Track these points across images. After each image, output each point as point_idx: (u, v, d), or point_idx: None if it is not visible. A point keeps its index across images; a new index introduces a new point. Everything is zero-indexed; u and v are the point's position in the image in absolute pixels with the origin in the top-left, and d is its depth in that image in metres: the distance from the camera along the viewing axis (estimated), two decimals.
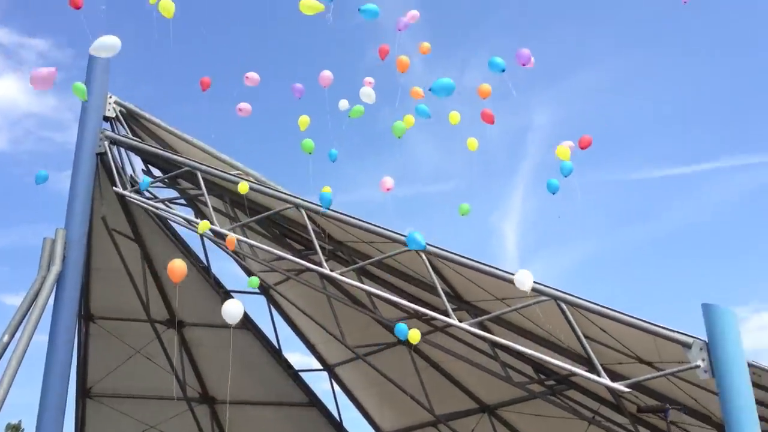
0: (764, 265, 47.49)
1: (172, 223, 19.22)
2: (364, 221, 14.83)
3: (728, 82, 46.43)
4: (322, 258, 15.11)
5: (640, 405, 15.68)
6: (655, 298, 44.25)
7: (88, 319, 20.31)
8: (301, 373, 22.46)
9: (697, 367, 11.63)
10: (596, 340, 14.06)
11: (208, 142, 18.18)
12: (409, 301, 15.60)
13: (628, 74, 45.76)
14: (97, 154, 17.17)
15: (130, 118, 18.19)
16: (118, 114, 17.88)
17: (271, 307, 21.60)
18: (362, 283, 16.27)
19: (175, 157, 17.03)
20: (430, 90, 12.82)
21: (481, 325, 15.57)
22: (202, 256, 20.40)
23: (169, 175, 17.16)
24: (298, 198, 15.52)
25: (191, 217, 18.23)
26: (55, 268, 15.75)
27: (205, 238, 18.95)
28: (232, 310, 12.27)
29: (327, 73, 13.77)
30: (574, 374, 13.68)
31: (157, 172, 17.89)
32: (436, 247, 14.00)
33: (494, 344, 15.77)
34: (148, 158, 17.79)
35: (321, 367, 22.40)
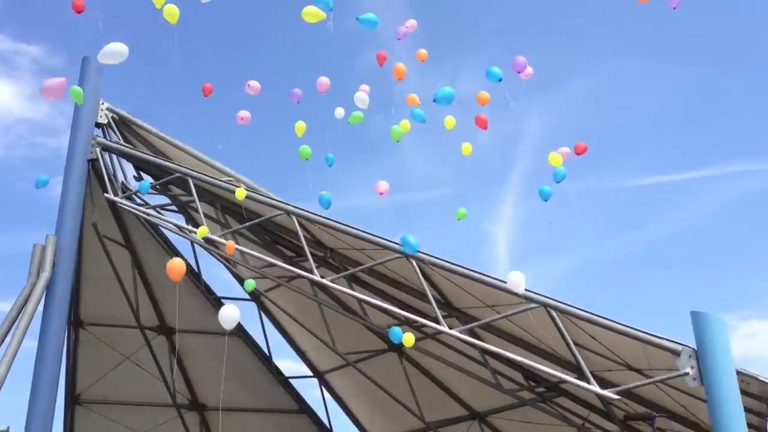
0: (754, 273, 47.64)
1: (163, 230, 19.20)
2: (354, 228, 14.87)
3: (720, 90, 46.64)
4: (313, 265, 15.13)
5: (629, 412, 15.75)
6: (645, 305, 44.33)
7: (77, 326, 20.25)
8: (291, 380, 22.44)
9: (686, 374, 11.67)
10: (586, 348, 14.10)
11: (211, 151, 18.23)
12: (399, 308, 15.61)
13: (619, 82, 45.94)
14: (89, 161, 17.13)
15: (122, 124, 18.18)
16: (110, 120, 17.86)
17: (262, 313, 21.60)
18: (353, 290, 16.28)
19: (166, 163, 17.04)
20: (434, 101, 12.98)
21: (472, 332, 15.57)
22: (192, 263, 20.36)
23: (161, 181, 17.17)
24: (289, 204, 15.56)
25: (182, 223, 18.24)
26: (45, 275, 15.70)
27: (195, 245, 18.97)
28: (229, 314, 12.31)
29: (324, 80, 13.86)
30: (564, 381, 13.71)
31: (148, 179, 17.88)
32: (427, 254, 14.04)
33: (484, 351, 15.79)
34: (140, 165, 17.78)
35: (311, 374, 22.37)
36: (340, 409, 22.56)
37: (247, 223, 16.38)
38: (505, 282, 13.30)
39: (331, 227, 15.25)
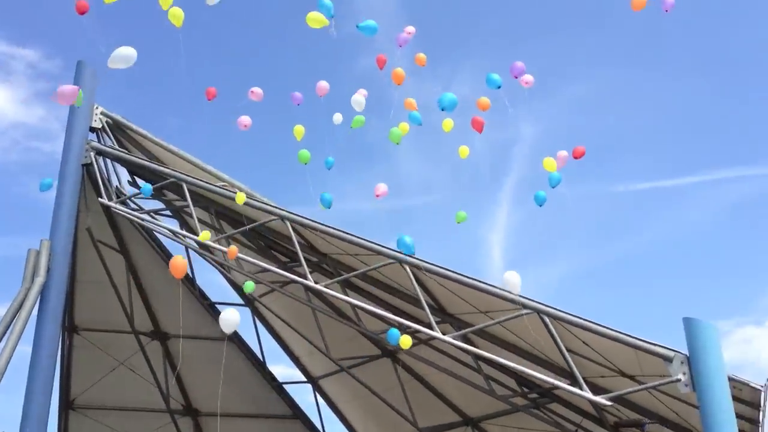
0: (749, 278, 47.68)
1: (158, 235, 19.20)
2: (348, 233, 14.91)
3: (712, 96, 46.75)
4: (307, 270, 15.16)
5: (621, 419, 15.79)
6: (640, 311, 44.32)
7: (72, 331, 20.24)
8: (285, 386, 22.43)
9: (678, 380, 11.74)
10: (579, 354, 14.15)
11: (206, 156, 18.26)
12: (393, 313, 15.65)
13: (613, 88, 46.00)
14: (83, 165, 17.14)
15: (117, 129, 18.18)
16: (105, 125, 17.87)
17: (256, 319, 21.60)
18: (347, 295, 16.32)
19: (160, 168, 17.05)
20: (443, 110, 13.13)
21: (465, 338, 15.62)
22: (187, 268, 20.34)
23: (155, 186, 17.16)
24: (283, 210, 15.59)
25: (177, 228, 18.25)
26: (40, 280, 15.70)
27: (190, 250, 18.97)
28: (230, 318, 12.42)
29: (323, 84, 13.97)
30: (557, 387, 13.76)
31: (143, 183, 17.90)
32: (420, 260, 14.09)
33: (477, 357, 15.81)
34: (134, 169, 17.80)
35: (305, 380, 22.37)
36: (333, 415, 22.55)
37: (242, 228, 16.42)
38: (499, 287, 13.40)
39: (325, 232, 15.29)
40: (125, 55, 11.29)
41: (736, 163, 46.71)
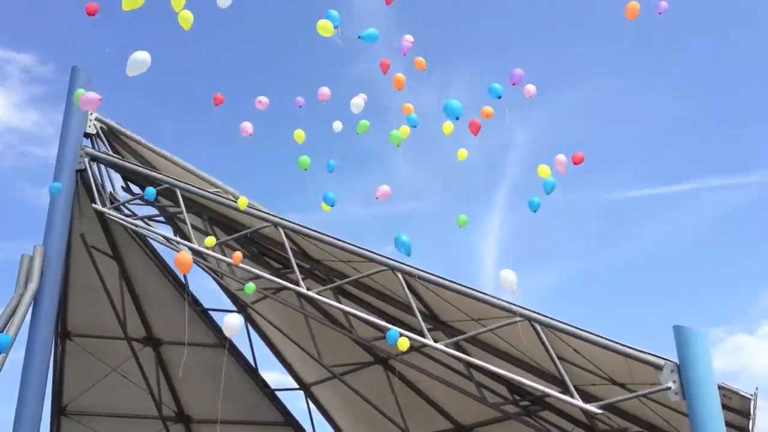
0: (741, 286, 47.83)
1: (151, 241, 19.22)
2: (341, 240, 14.98)
3: (706, 104, 46.92)
4: (299, 277, 15.20)
5: (612, 426, 15.85)
6: (632, 318, 44.41)
7: (64, 337, 20.25)
8: (277, 392, 22.44)
9: (668, 388, 11.80)
10: (570, 362, 14.21)
11: (200, 162, 18.31)
12: (385, 320, 15.70)
13: (607, 95, 46.15)
14: (77, 171, 17.16)
15: (111, 134, 18.21)
16: (99, 130, 17.89)
17: (249, 325, 21.62)
18: (339, 302, 16.37)
19: (154, 174, 17.09)
20: (457, 119, 13.34)
21: (457, 346, 15.68)
22: (179, 274, 20.37)
23: None
24: (276, 216, 15.65)
25: (170, 234, 18.29)
26: (33, 285, 15.71)
27: None
28: (232, 323, 12.54)
29: (325, 90, 14.13)
30: (548, 395, 13.81)
31: (136, 189, 17.95)
32: (413, 267, 14.16)
33: (469, 365, 15.86)
34: (128, 175, 17.82)
35: (297, 386, 22.38)
36: (325, 422, 22.56)
37: (235, 235, 16.46)
38: (491, 295, 13.48)
39: (318, 239, 15.35)
40: (141, 60, 11.41)
41: (728, 171, 46.88)
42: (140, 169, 17.38)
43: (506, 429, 18.66)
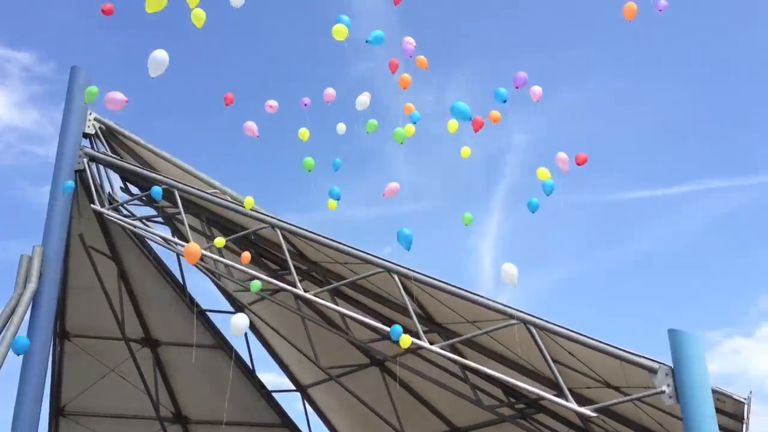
0: (737, 289, 47.88)
1: (149, 242, 19.27)
2: (338, 242, 15.04)
3: (706, 105, 46.96)
4: (296, 278, 15.26)
5: (608, 429, 15.88)
6: (630, 320, 44.48)
7: (63, 337, 20.28)
8: (273, 394, 22.48)
9: (663, 392, 11.85)
10: (565, 364, 14.26)
11: (199, 163, 18.36)
12: (381, 322, 15.74)
13: (606, 97, 46.20)
14: (76, 171, 17.21)
15: (110, 135, 18.27)
16: (98, 131, 17.95)
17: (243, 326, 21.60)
18: (336, 303, 16.41)
19: (152, 174, 17.14)
20: (470, 120, 13.50)
21: (453, 348, 15.73)
22: (177, 275, 20.44)
23: (147, 192, 17.25)
24: (273, 218, 15.71)
25: (168, 235, 18.34)
26: (32, 286, 15.75)
27: (181, 257, 19.08)
28: (238, 322, 12.65)
29: (330, 90, 14.29)
30: (543, 398, 13.86)
31: (135, 190, 18.01)
32: (409, 269, 14.22)
33: (464, 367, 15.90)
34: (127, 176, 17.89)
35: (294, 388, 22.42)
36: (322, 423, 22.60)
37: (232, 236, 16.51)
38: (486, 298, 13.54)
39: (315, 241, 15.41)
40: (160, 58, 11.54)
41: (727, 173, 46.92)
42: (139, 169, 17.44)
43: (502, 431, 18.71)
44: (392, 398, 19.86)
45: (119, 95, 12.39)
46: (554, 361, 13.19)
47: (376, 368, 19.88)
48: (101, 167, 17.87)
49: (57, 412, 20.91)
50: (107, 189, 17.98)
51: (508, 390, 17.14)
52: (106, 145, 18.02)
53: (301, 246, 17.07)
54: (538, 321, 13.11)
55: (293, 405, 22.64)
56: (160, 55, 11.49)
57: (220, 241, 14.84)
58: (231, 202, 16.76)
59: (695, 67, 45.59)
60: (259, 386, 22.12)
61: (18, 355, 14.43)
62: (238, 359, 21.73)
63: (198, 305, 21.01)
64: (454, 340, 15.03)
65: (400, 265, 14.37)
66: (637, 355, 12.33)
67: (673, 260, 46.95)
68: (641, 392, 12.58)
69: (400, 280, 14.41)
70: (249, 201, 14.98)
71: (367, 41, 13.52)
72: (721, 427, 11.61)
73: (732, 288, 47.53)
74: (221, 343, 21.35)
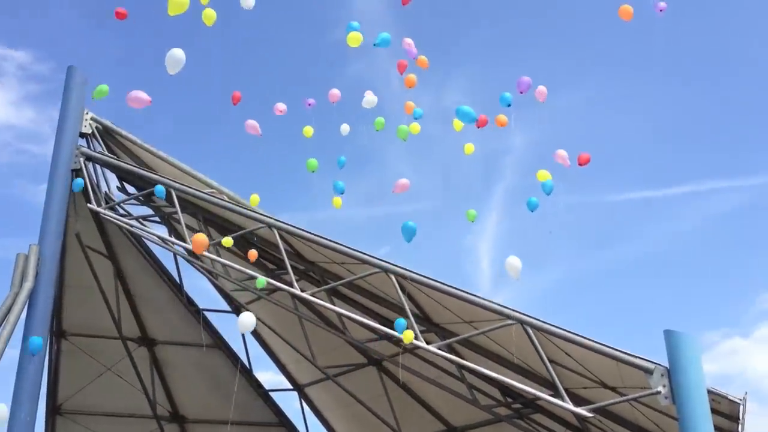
0: (735, 290, 47.95)
1: (146, 241, 19.27)
2: (335, 242, 15.04)
3: (702, 107, 47.01)
4: (293, 278, 15.27)
5: (604, 429, 15.90)
6: (627, 321, 44.55)
7: (59, 336, 20.27)
8: (270, 393, 22.48)
9: (658, 392, 11.86)
10: (561, 365, 14.28)
11: (196, 162, 18.37)
12: (379, 322, 15.75)
13: (604, 97, 46.22)
14: (73, 171, 17.19)
15: (106, 134, 18.24)
16: (95, 130, 17.92)
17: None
18: (333, 303, 16.41)
19: (149, 174, 17.13)
20: (475, 121, 13.65)
21: (450, 348, 15.74)
22: (174, 275, 20.44)
23: (143, 192, 17.27)
24: (270, 217, 15.71)
25: (165, 234, 18.34)
26: (28, 285, 15.72)
27: (178, 256, 19.10)
28: (246, 320, 13.04)
29: (335, 91, 14.44)
30: (539, 398, 13.88)
31: (132, 189, 18.00)
32: (406, 269, 14.23)
33: (461, 367, 15.92)
34: (123, 175, 17.89)
35: (291, 387, 22.42)
36: (319, 423, 22.62)
37: (230, 236, 16.49)
38: (483, 298, 13.56)
39: (312, 241, 15.41)
40: (178, 57, 11.61)
41: (726, 173, 46.97)
42: (135, 169, 17.43)
43: (498, 431, 18.73)
44: (389, 397, 19.88)
45: (143, 94, 12.45)
46: (551, 362, 13.22)
47: (374, 368, 19.90)
48: (98, 166, 17.85)
49: (53, 410, 20.91)
50: (104, 188, 17.96)
51: (505, 390, 17.17)
52: (102, 144, 17.99)
53: (299, 246, 17.07)
54: (534, 321, 13.13)
55: (290, 404, 22.67)
56: (178, 54, 11.58)
57: (228, 240, 14.92)
58: (228, 201, 16.75)
59: (694, 68, 45.65)
60: (256, 385, 22.12)
61: (33, 355, 14.47)
62: (236, 358, 21.73)
63: (195, 304, 21.02)
64: (451, 340, 15.06)
65: (397, 266, 14.38)
66: (633, 355, 12.34)
67: (671, 261, 47.00)
68: (637, 392, 12.60)
69: (397, 280, 14.42)
70: (254, 199, 15.08)
71: (375, 44, 13.77)
72: (716, 428, 11.61)
73: (730, 288, 47.63)
74: (218, 343, 21.36)
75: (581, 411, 12.87)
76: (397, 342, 16.86)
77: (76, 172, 17.19)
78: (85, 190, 17.30)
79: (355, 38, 13.67)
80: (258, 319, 20.48)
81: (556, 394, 13.06)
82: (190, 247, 16.12)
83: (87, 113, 17.76)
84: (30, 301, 15.81)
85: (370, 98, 14.41)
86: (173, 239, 17.60)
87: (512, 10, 46.51)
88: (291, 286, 15.30)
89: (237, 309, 21.26)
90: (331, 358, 19.91)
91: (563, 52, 43.91)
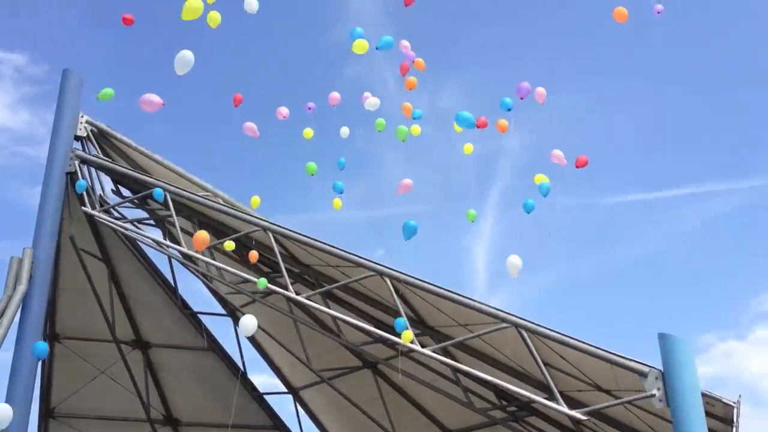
0: (730, 292, 48.00)
1: (141, 244, 19.24)
2: (330, 245, 15.06)
3: (699, 109, 47.08)
4: (288, 281, 15.27)
5: None
6: (624, 323, 44.58)
7: (53, 339, 20.22)
8: (265, 396, 22.45)
9: (653, 395, 11.89)
10: (556, 368, 14.30)
11: (191, 165, 18.36)
12: (373, 325, 15.76)
13: (600, 100, 46.27)
14: (67, 174, 17.19)
15: (101, 137, 18.24)
16: (89, 133, 17.93)
17: (238, 328, 21.59)
18: (328, 306, 16.42)
19: (144, 177, 17.13)
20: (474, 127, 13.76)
21: (445, 351, 15.73)
22: (169, 278, 20.40)
23: (138, 195, 17.26)
24: (265, 221, 15.72)
25: (160, 237, 18.32)
26: (21, 288, 15.70)
27: (172, 259, 19.06)
28: (248, 323, 13.21)
29: (335, 94, 14.49)
30: (534, 401, 13.89)
31: (126, 192, 17.99)
32: (401, 272, 14.24)
33: (456, 370, 15.92)
34: (118, 178, 17.88)
35: (286, 390, 22.40)
36: (313, 426, 22.59)
37: (225, 239, 16.49)
38: (477, 301, 13.58)
39: (307, 244, 15.43)
40: (187, 58, 11.66)
41: (722, 176, 47.03)
42: (130, 172, 17.42)
43: None
44: (384, 400, 19.87)
45: (155, 97, 12.49)
46: (545, 365, 13.24)
47: (369, 371, 19.88)
48: (93, 169, 17.84)
49: (47, 414, 20.86)
50: (98, 191, 17.94)
51: (500, 393, 17.17)
52: (97, 147, 17.99)
53: (293, 249, 17.07)
54: (529, 324, 13.15)
55: (285, 407, 22.64)
56: (187, 55, 11.64)
57: (230, 244, 14.91)
58: (223, 204, 16.74)
59: (691, 70, 45.72)
60: (251, 388, 22.10)
61: (38, 360, 14.45)
62: (230, 361, 21.71)
63: (190, 307, 21.00)
64: (446, 343, 15.05)
65: (392, 269, 14.41)
66: (627, 358, 12.37)
67: (667, 263, 47.04)
68: (632, 395, 12.61)
69: (392, 283, 14.44)
70: (255, 201, 15.13)
71: (377, 47, 13.89)
72: (710, 431, 11.67)
73: (726, 291, 47.71)
74: (212, 346, 21.33)
75: (576, 414, 12.89)
76: (392, 345, 16.90)
77: (71, 175, 17.20)
78: (79, 192, 17.30)
79: (360, 45, 13.78)
80: None
81: (551, 397, 13.08)
82: (185, 250, 16.13)
83: (82, 116, 17.78)
84: (24, 305, 15.80)
85: (373, 101, 14.50)
86: (168, 242, 17.59)
87: (509, 13, 46.56)
88: (286, 289, 15.29)
89: (232, 312, 21.24)
90: (326, 361, 19.90)
91: (561, 54, 43.99)
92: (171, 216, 16.38)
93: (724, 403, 11.95)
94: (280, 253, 15.65)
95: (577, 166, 14.34)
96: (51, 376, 20.59)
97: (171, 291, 20.52)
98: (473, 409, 16.44)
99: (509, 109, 14.16)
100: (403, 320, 13.53)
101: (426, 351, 14.09)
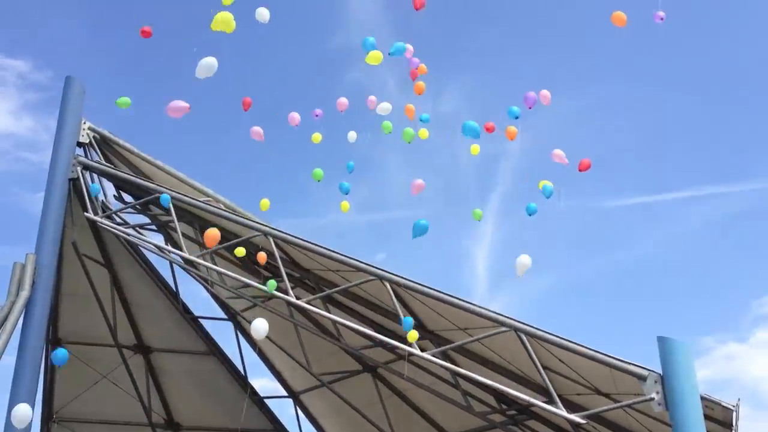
0: (731, 295, 48.04)
1: (143, 249, 19.33)
2: (330, 250, 15.14)
3: (698, 113, 47.15)
4: (289, 286, 15.35)
5: None
6: (624, 326, 44.59)
7: (55, 344, 20.26)
8: (266, 400, 22.51)
9: (652, 399, 11.95)
10: (555, 371, 14.37)
11: (193, 171, 18.44)
12: (374, 329, 15.85)
13: (600, 104, 46.33)
14: (70, 180, 17.29)
15: (104, 143, 18.34)
16: (92, 139, 18.02)
17: (238, 333, 21.70)
18: (328, 311, 16.50)
19: (145, 183, 17.22)
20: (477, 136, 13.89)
21: (444, 355, 15.83)
22: (170, 282, 20.47)
23: (140, 201, 17.34)
24: (266, 225, 15.81)
25: (162, 243, 18.41)
26: (24, 294, 15.79)
27: (174, 264, 19.16)
28: (260, 326, 13.13)
29: (343, 100, 14.61)
30: (533, 405, 13.97)
31: (128, 198, 18.07)
32: (401, 277, 14.32)
33: (456, 374, 16.00)
34: (120, 184, 17.96)
35: (286, 394, 22.46)
36: (314, 430, 22.64)
37: (225, 244, 16.57)
38: (477, 305, 13.67)
39: (307, 249, 15.51)
40: (210, 64, 11.78)
41: (722, 179, 47.07)
42: (132, 178, 17.52)
43: None
44: (384, 404, 19.93)
45: (182, 103, 12.59)
46: (545, 368, 13.33)
47: (369, 375, 19.95)
48: (95, 175, 17.92)
49: (49, 418, 20.89)
50: (101, 197, 18.02)
51: (500, 396, 17.23)
52: (99, 153, 18.08)
53: (294, 254, 17.15)
54: (529, 328, 13.22)
55: (285, 411, 22.69)
56: (211, 61, 11.77)
57: (240, 250, 15.03)
58: (224, 210, 16.84)
59: (690, 74, 45.81)
60: (252, 392, 22.14)
61: (59, 366, 14.49)
62: (231, 365, 21.78)
63: (191, 312, 21.07)
64: (446, 347, 15.14)
65: (391, 273, 14.49)
66: (626, 362, 12.44)
67: (667, 266, 47.09)
68: (631, 399, 12.67)
69: (392, 288, 14.52)
70: (264, 203, 15.19)
71: (390, 53, 14.01)
72: None
73: (726, 294, 47.75)
74: (213, 350, 21.40)
75: (575, 417, 12.96)
76: (392, 349, 17.00)
77: (74, 181, 17.30)
78: (81, 199, 17.39)
79: (375, 57, 13.87)
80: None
81: (550, 400, 13.16)
82: (186, 255, 16.22)
83: (84, 122, 17.88)
84: (27, 310, 15.89)
85: (384, 105, 14.65)
86: (169, 247, 17.69)
87: (510, 18, 46.67)
88: (286, 293, 15.38)
89: (233, 316, 21.32)
90: (326, 365, 19.96)
91: (561, 59, 44.06)
92: (172, 221, 16.48)
93: (723, 406, 12.01)
94: (280, 257, 15.75)
95: (580, 170, 14.41)
96: (53, 380, 20.63)
97: (172, 296, 20.60)
98: (473, 412, 16.49)
99: (517, 117, 14.26)
100: (410, 319, 13.62)
101: (426, 355, 14.18)
